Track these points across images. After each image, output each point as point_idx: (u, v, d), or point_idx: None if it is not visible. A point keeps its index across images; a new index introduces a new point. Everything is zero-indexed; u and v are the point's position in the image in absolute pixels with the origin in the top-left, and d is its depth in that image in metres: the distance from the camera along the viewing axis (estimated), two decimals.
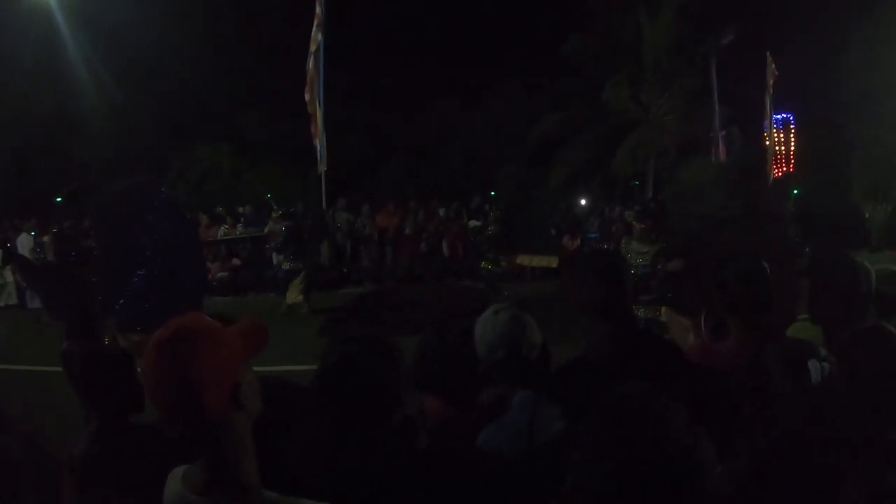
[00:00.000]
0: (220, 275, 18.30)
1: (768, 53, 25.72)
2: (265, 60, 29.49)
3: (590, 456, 1.48)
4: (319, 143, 17.12)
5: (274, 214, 16.17)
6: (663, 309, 5.79)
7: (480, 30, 36.81)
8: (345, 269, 19.72)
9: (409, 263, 19.71)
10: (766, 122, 26.80)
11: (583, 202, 25.47)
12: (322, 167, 17.28)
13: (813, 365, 2.28)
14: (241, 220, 20.37)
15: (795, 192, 22.46)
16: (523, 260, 14.87)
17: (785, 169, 42.57)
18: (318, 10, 16.84)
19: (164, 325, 1.77)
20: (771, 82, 25.83)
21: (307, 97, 17.04)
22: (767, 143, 26.99)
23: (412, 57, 33.54)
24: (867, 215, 24.59)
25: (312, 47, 16.84)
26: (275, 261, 16.90)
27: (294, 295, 14.83)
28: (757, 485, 2.23)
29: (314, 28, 16.86)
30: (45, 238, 17.13)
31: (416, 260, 19.84)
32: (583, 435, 1.55)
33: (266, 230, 17.40)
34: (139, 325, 6.34)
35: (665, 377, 2.54)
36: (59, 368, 3.53)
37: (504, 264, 14.51)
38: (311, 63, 16.87)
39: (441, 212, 21.50)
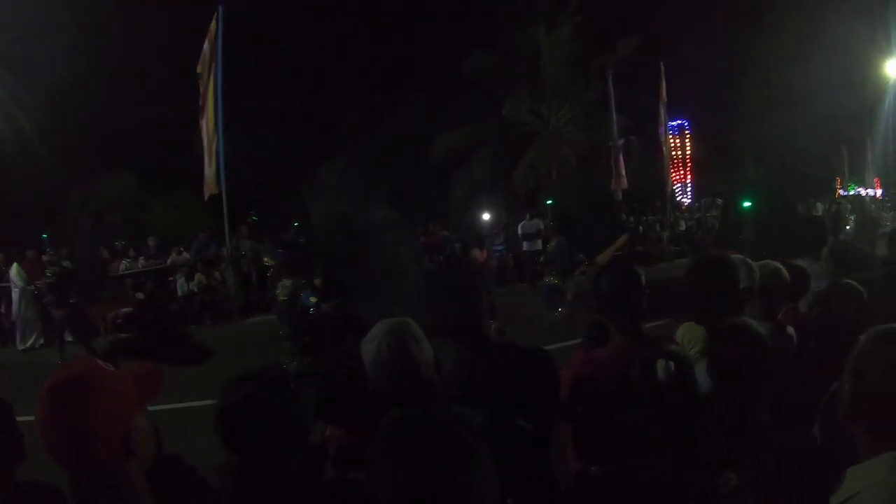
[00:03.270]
0: (124, 311, 17.84)
1: (661, 64, 26.55)
2: (168, 87, 28.80)
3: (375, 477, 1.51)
4: (212, 168, 16.72)
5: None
6: None
7: (382, 48, 36.82)
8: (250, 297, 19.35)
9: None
10: (662, 129, 27.56)
11: (486, 216, 25.64)
12: (212, 190, 16.89)
13: (660, 364, 2.38)
14: (143, 253, 19.92)
15: (747, 203, 22.89)
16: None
17: (682, 172, 43.89)
18: (211, 33, 16.44)
19: (56, 370, 1.73)
20: (664, 91, 26.64)
21: (202, 122, 16.76)
22: (664, 149, 27.70)
23: (313, 77, 33.36)
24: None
25: (200, 69, 16.54)
26: (179, 292, 16.59)
27: None
28: (623, 482, 2.37)
29: (206, 52, 16.52)
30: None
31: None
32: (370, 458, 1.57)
33: (169, 262, 17.05)
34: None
35: (522, 391, 2.72)
36: None
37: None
38: (203, 87, 16.59)
39: None
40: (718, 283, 3.48)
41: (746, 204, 21.27)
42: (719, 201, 33.62)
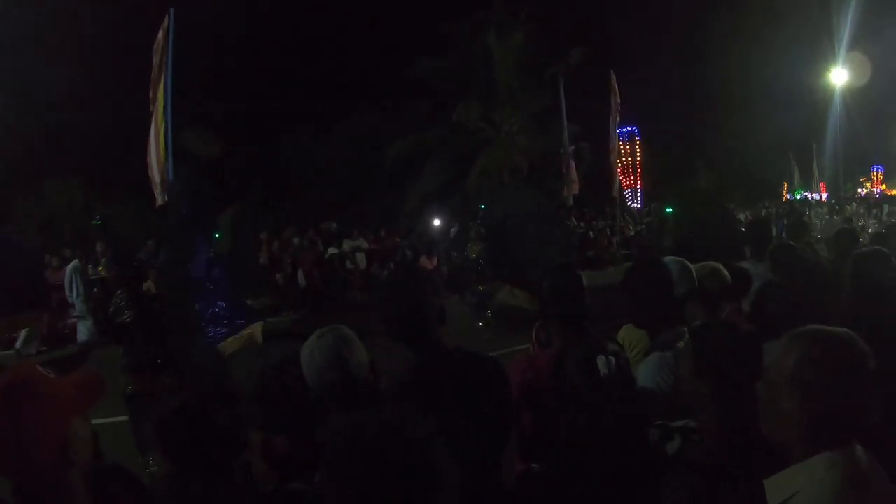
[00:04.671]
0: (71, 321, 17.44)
1: (612, 71, 26.88)
2: (117, 90, 28.23)
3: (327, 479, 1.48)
4: (159, 177, 16.39)
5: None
6: None
7: (331, 55, 36.72)
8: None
9: (265, 295, 19.28)
10: (612, 136, 27.89)
11: (437, 223, 25.66)
12: (165, 199, 16.58)
13: (600, 360, 2.39)
14: (91, 260, 19.52)
15: (669, 209, 23.19)
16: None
17: (632, 178, 44.50)
18: (159, 37, 16.14)
19: None
20: (615, 99, 26.97)
21: (152, 130, 16.46)
22: (611, 156, 28.01)
23: (263, 86, 33.12)
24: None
25: (152, 78, 16.25)
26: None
27: None
28: (563, 480, 2.36)
29: (156, 56, 16.22)
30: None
31: (272, 291, 19.40)
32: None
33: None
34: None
35: (474, 392, 2.80)
36: None
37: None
38: (153, 91, 16.28)
39: (296, 241, 21.18)
40: (652, 288, 3.54)
41: (668, 210, 21.66)
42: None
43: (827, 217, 31.03)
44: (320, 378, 2.72)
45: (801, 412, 1.82)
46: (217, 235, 17.30)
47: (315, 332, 2.79)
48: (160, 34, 16.12)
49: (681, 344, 3.26)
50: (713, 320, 3.49)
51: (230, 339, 6.16)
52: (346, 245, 21.42)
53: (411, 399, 2.74)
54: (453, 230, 21.66)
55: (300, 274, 19.69)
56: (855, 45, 35.73)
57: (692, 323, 3.61)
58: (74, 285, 15.83)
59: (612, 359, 2.43)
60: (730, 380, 2.37)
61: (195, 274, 6.69)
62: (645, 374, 3.12)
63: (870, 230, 18.47)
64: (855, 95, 38.73)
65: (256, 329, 6.36)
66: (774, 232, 17.09)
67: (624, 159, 41.62)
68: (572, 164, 26.00)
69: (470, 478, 1.88)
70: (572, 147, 26.51)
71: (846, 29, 34.85)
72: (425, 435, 1.47)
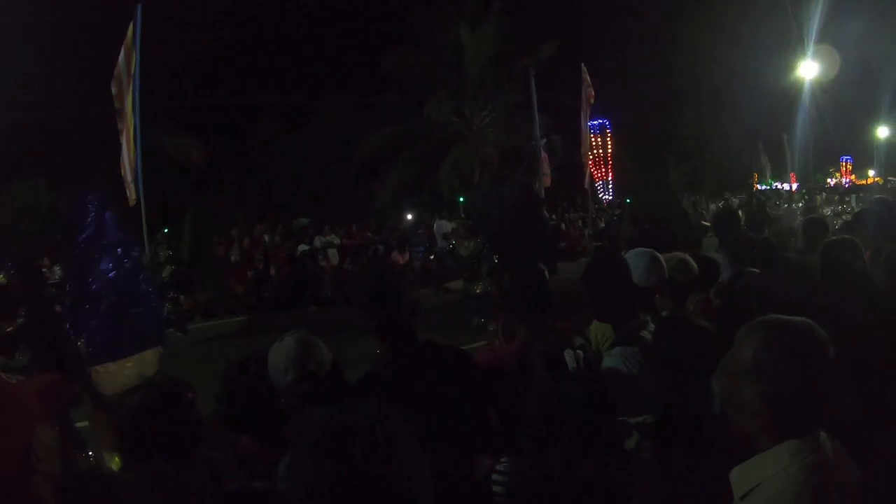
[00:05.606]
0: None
1: (583, 64, 26.93)
2: (83, 88, 27.84)
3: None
4: (131, 175, 16.17)
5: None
6: None
7: (301, 49, 36.17)
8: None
9: (237, 293, 19.19)
10: (584, 129, 27.97)
11: (409, 217, 25.66)
12: (134, 197, 16.36)
13: (568, 354, 2.38)
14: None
15: (628, 200, 23.41)
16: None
17: (603, 170, 44.79)
18: (128, 36, 15.90)
19: None
20: (587, 90, 27.03)
21: (119, 127, 16.22)
22: (583, 148, 28.11)
23: (232, 81, 32.85)
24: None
25: (119, 75, 16.01)
26: None
27: None
28: (538, 474, 2.33)
29: (123, 54, 15.97)
30: None
31: (245, 289, 19.33)
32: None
33: None
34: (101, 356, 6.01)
35: (442, 385, 2.82)
36: None
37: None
38: (115, 89, 16.05)
39: (266, 238, 21.05)
40: (610, 281, 3.55)
41: (628, 200, 21.79)
42: None
43: (786, 206, 31.34)
44: (282, 379, 2.77)
45: (762, 402, 1.81)
46: (166, 231, 17.22)
47: (279, 338, 2.86)
48: (129, 30, 15.91)
49: (645, 334, 3.28)
50: (673, 314, 3.54)
51: (114, 367, 6.07)
52: (318, 241, 21.30)
53: (380, 393, 2.74)
54: (436, 226, 21.61)
55: (272, 271, 19.59)
56: (824, 37, 36.16)
57: (662, 313, 3.66)
58: None
59: (580, 353, 2.43)
60: (684, 374, 2.38)
61: (96, 288, 6.56)
62: (608, 368, 3.12)
63: (836, 221, 18.68)
64: (825, 88, 39.22)
65: (149, 357, 6.25)
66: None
67: (595, 152, 41.88)
68: (544, 156, 26.06)
69: (441, 472, 1.89)
70: (544, 140, 26.58)
71: (815, 22, 35.25)
72: (391, 432, 1.44)
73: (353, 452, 1.37)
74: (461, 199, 18.79)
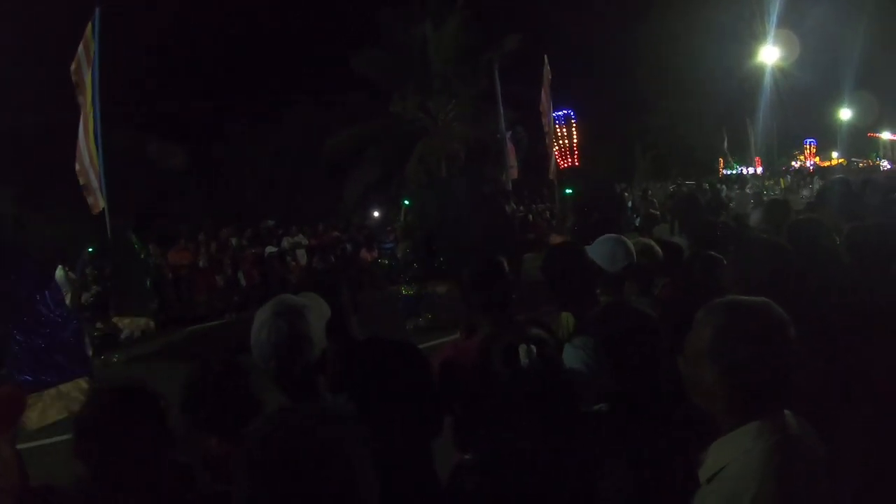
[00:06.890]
0: None
1: (545, 56, 26.99)
2: (45, 92, 27.28)
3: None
4: (94, 182, 15.79)
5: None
6: None
7: (265, 48, 35.89)
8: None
9: (207, 299, 18.98)
10: (548, 120, 28.03)
11: (376, 214, 25.59)
12: (102, 204, 16.01)
13: (522, 349, 2.35)
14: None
15: (569, 190, 23.62)
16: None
17: (570, 160, 45.12)
18: (87, 34, 15.54)
19: None
20: (548, 81, 27.09)
21: (80, 134, 15.86)
22: (547, 138, 28.21)
23: (197, 81, 32.52)
24: (630, 203, 26.98)
25: (75, 76, 15.65)
26: None
27: None
28: (493, 468, 2.32)
29: (80, 56, 15.60)
30: None
31: (213, 294, 19.13)
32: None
33: None
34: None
35: (388, 380, 2.91)
36: None
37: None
38: (80, 94, 15.70)
39: (234, 241, 20.79)
40: (567, 270, 3.59)
41: (568, 191, 21.90)
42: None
43: (738, 191, 31.84)
44: (266, 363, 2.51)
45: (723, 383, 1.80)
46: (91, 250, 16.90)
47: (269, 306, 2.56)
48: (86, 33, 15.58)
49: None
50: (611, 301, 3.55)
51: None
52: (286, 242, 21.17)
53: (337, 388, 2.72)
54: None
55: (240, 275, 19.42)
56: (784, 23, 36.73)
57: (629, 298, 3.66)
58: None
59: (534, 347, 2.39)
60: (625, 360, 2.38)
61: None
62: (567, 360, 3.10)
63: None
64: (786, 72, 39.84)
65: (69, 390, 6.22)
66: None
67: (560, 142, 42.13)
68: (511, 148, 26.09)
69: (397, 469, 1.85)
70: (509, 132, 26.60)
71: (775, 6, 35.79)
72: (339, 435, 1.42)
73: (293, 464, 1.34)
74: (405, 202, 18.72)
